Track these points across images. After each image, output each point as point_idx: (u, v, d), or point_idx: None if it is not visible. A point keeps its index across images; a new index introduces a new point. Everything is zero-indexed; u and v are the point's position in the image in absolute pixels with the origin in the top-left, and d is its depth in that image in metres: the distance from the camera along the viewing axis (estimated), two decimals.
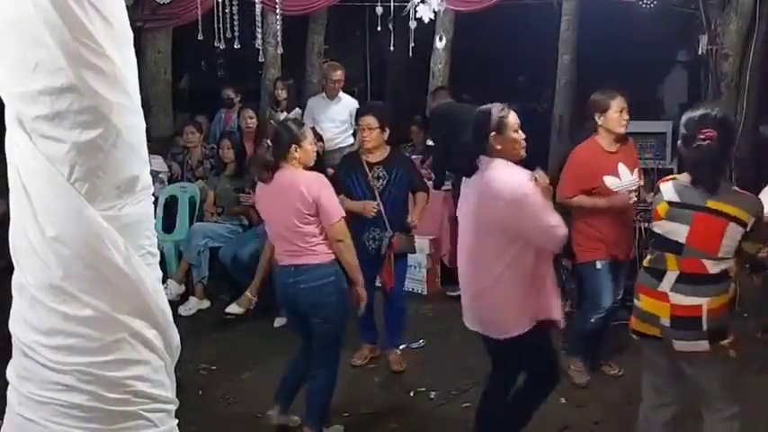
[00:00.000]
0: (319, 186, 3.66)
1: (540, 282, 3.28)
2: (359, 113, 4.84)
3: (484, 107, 3.36)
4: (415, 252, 5.08)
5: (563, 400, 4.23)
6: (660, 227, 3.12)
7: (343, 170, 4.81)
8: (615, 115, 4.29)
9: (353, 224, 4.53)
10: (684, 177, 3.08)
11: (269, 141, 3.78)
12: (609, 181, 4.30)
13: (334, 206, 3.69)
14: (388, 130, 4.65)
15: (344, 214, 3.74)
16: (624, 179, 4.32)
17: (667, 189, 3.12)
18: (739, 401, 3.15)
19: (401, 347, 4.96)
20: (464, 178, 3.42)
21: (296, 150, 3.69)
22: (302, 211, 3.62)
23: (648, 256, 3.20)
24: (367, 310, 4.79)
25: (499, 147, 3.26)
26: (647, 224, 4.42)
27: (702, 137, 2.94)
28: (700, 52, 6.15)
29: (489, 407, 3.56)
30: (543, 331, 3.36)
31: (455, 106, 6.53)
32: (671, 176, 3.21)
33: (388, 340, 4.91)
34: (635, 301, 3.21)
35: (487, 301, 3.33)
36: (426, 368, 4.78)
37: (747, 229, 2.95)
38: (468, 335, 5.31)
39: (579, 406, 4.26)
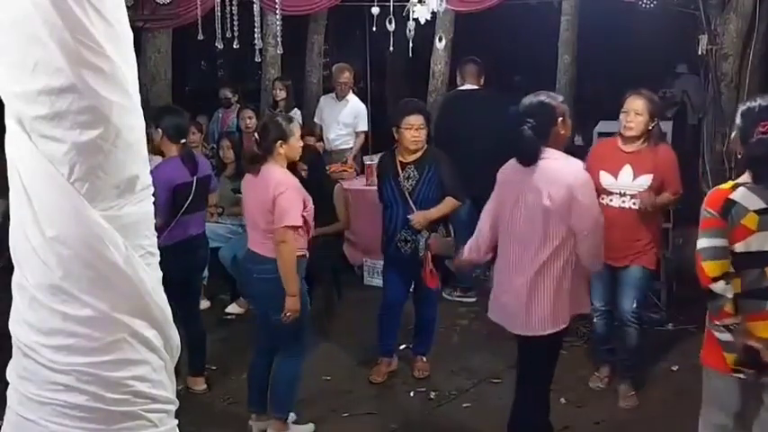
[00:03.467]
0: (284, 187, 3.68)
1: (577, 280, 3.31)
2: (403, 112, 4.51)
3: (541, 97, 3.33)
4: (453, 257, 4.91)
5: (563, 401, 4.23)
6: (752, 242, 2.76)
7: (380, 171, 4.67)
8: (622, 115, 4.22)
9: (386, 226, 4.53)
10: (747, 178, 2.78)
11: (256, 135, 3.83)
12: (603, 179, 4.18)
13: (287, 211, 3.66)
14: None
15: (296, 224, 3.67)
16: (621, 181, 4.16)
17: (746, 197, 2.76)
18: None
19: (402, 347, 4.94)
20: (511, 168, 3.39)
21: (281, 146, 3.77)
22: (266, 207, 3.70)
23: (737, 280, 2.80)
24: (393, 320, 4.70)
25: (563, 132, 3.31)
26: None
27: (764, 129, 2.73)
28: (700, 52, 6.14)
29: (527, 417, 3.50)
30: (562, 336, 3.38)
31: (461, 93, 6.33)
32: (731, 183, 2.84)
33: (417, 347, 4.78)
34: (728, 336, 2.82)
35: (528, 292, 3.26)
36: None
37: None
38: (469, 335, 5.35)
39: (579, 406, 4.26)
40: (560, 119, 3.30)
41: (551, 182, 3.19)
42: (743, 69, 6.08)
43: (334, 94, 7.19)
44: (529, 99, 3.34)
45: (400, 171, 4.48)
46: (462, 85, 6.30)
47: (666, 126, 6.66)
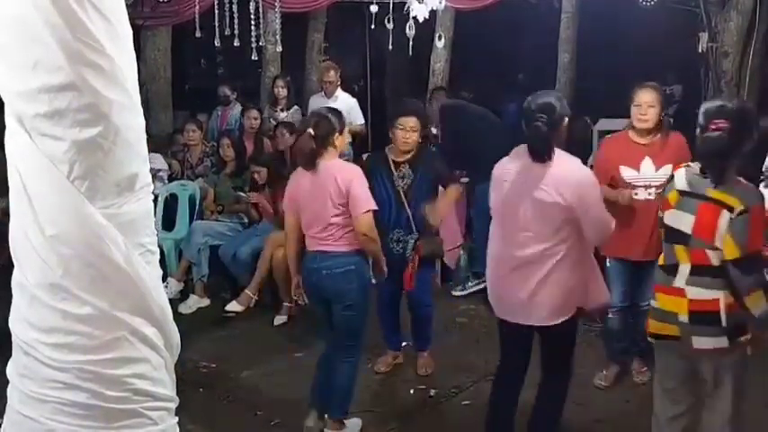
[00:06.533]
0: (352, 176, 3.74)
1: (588, 271, 3.41)
2: (398, 112, 4.53)
3: (552, 96, 3.41)
4: (443, 256, 4.86)
5: None
6: (669, 216, 3.09)
7: (369, 171, 4.48)
8: (634, 108, 4.22)
9: (378, 225, 4.48)
10: (696, 165, 3.05)
11: (311, 131, 3.77)
12: (625, 173, 4.20)
13: (364, 198, 3.72)
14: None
15: (374, 207, 3.75)
16: (644, 173, 4.18)
17: (680, 177, 3.10)
18: (743, 400, 3.10)
19: (404, 345, 4.94)
20: (514, 165, 3.39)
21: (337, 138, 3.82)
22: (334, 200, 3.70)
23: (662, 253, 3.15)
24: (391, 316, 4.75)
25: (563, 134, 3.40)
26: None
27: (714, 127, 2.93)
28: (700, 50, 6.15)
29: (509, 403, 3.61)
30: (576, 320, 3.49)
31: (465, 104, 6.51)
32: (685, 164, 3.16)
33: (416, 343, 4.81)
34: (652, 302, 3.18)
35: (542, 285, 3.32)
36: None
37: (732, 216, 2.87)
38: (468, 333, 5.35)
39: (579, 404, 4.25)
40: (566, 120, 3.39)
41: (565, 180, 3.27)
42: (743, 67, 6.09)
43: (323, 93, 7.20)
44: (540, 97, 3.38)
45: (394, 170, 4.48)
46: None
47: (666, 123, 6.67)
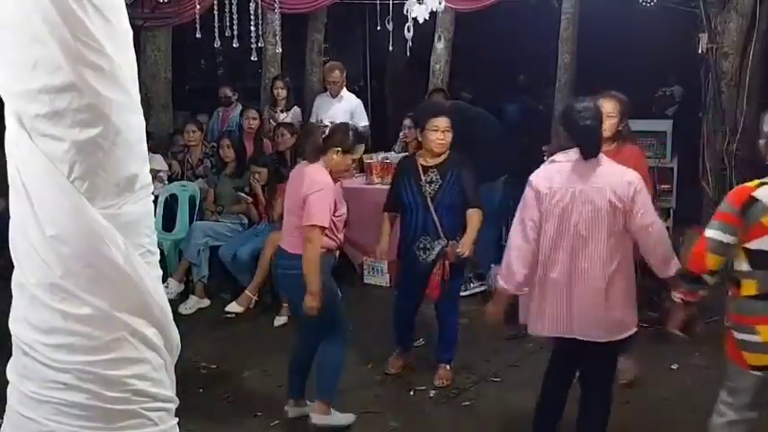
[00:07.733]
0: (316, 187, 3.74)
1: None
2: (430, 113, 4.46)
3: (594, 101, 3.43)
4: (471, 262, 4.83)
5: None
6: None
7: (399, 174, 4.53)
8: None
9: (405, 232, 4.46)
10: None
11: (328, 129, 3.91)
12: None
13: (315, 211, 3.70)
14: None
15: (320, 224, 3.70)
16: None
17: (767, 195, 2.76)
18: None
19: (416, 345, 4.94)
20: (555, 172, 3.33)
21: (337, 153, 3.84)
22: (297, 204, 3.78)
23: (749, 281, 2.86)
24: (407, 324, 4.71)
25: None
26: None
27: None
28: (700, 51, 6.14)
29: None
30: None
31: (464, 105, 6.52)
32: (757, 182, 2.83)
33: (439, 354, 4.67)
34: (746, 336, 2.87)
35: (606, 296, 3.26)
36: (426, 367, 4.77)
37: None
38: (469, 334, 5.34)
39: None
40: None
41: (614, 179, 3.26)
42: (743, 68, 6.08)
43: (328, 93, 7.19)
44: (579, 101, 3.42)
45: (422, 175, 4.40)
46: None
47: (666, 125, 6.68)
